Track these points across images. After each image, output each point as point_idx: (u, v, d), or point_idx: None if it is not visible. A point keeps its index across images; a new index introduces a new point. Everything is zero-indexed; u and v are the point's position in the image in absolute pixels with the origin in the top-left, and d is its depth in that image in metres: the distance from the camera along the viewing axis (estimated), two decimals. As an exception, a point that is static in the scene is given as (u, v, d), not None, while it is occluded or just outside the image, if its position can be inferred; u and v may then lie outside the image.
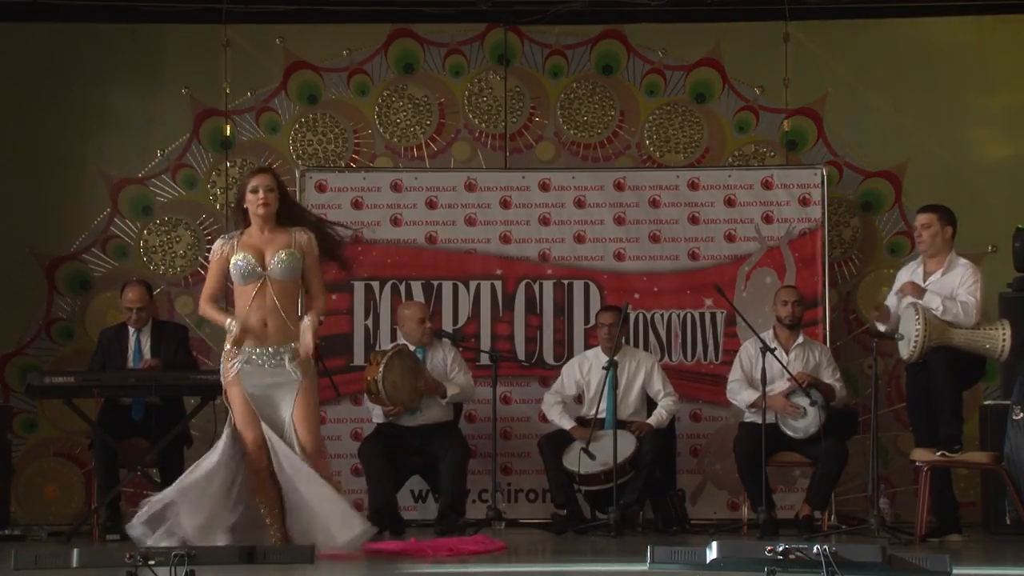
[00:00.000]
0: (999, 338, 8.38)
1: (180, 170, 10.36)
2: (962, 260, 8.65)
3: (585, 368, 9.37)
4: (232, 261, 7.32)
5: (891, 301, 8.73)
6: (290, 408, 7.31)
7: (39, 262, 10.26)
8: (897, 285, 8.80)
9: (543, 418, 9.68)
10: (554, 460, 9.08)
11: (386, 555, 7.48)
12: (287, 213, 7.44)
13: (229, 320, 7.30)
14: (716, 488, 9.79)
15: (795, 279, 9.77)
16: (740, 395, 9.20)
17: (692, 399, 9.80)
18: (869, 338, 8.93)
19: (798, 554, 4.82)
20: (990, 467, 8.38)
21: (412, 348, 9.28)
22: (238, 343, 7.28)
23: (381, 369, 8.86)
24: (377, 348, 9.69)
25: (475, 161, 10.43)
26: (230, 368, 7.31)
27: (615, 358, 9.11)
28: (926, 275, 8.64)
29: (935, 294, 8.46)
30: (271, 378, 7.31)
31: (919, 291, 8.46)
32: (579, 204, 9.98)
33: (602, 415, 9.07)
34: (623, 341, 9.41)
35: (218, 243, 7.46)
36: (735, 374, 9.28)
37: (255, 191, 7.32)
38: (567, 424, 9.20)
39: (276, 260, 7.31)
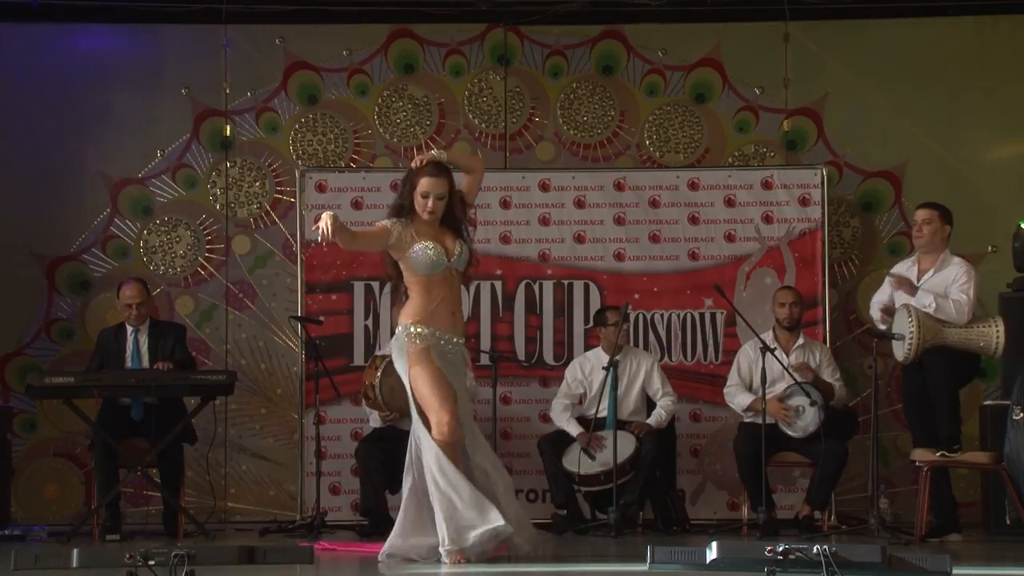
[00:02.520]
0: (992, 335, 8.39)
1: (180, 170, 10.36)
2: (955, 258, 8.66)
3: (587, 369, 9.36)
4: (416, 248, 6.99)
5: (884, 294, 8.72)
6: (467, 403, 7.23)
7: (39, 262, 10.25)
8: (887, 283, 8.79)
9: (543, 418, 9.69)
10: (554, 460, 9.09)
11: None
12: (450, 215, 7.14)
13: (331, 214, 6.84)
14: (716, 488, 9.79)
15: (795, 279, 9.77)
16: (736, 399, 9.21)
17: (692, 399, 9.81)
18: (869, 338, 8.93)
19: (798, 554, 4.82)
20: (990, 467, 8.38)
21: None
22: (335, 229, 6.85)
23: (379, 375, 8.86)
24: (378, 348, 9.70)
25: (475, 161, 10.42)
26: (415, 345, 6.99)
27: (616, 358, 9.13)
28: (920, 273, 8.64)
29: (927, 292, 8.46)
30: (453, 370, 7.08)
31: (912, 288, 8.46)
32: (579, 204, 9.98)
33: (602, 415, 9.06)
34: (624, 340, 9.42)
35: (389, 222, 7.04)
36: (732, 378, 9.29)
37: (426, 196, 7.02)
38: (574, 430, 9.20)
39: (458, 251, 7.09)
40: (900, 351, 8.44)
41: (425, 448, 6.96)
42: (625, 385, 9.28)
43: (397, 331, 7.12)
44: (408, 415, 8.97)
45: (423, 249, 7.01)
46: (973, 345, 8.42)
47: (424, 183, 7.03)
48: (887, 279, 8.81)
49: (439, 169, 7.11)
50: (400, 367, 7.11)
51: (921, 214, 8.70)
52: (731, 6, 10.38)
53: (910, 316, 8.29)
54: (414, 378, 7.01)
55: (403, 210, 7.08)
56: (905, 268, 8.77)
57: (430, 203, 7.02)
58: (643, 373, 9.34)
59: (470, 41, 10.50)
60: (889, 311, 8.61)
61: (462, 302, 7.32)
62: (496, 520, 6.82)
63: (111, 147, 10.37)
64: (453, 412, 6.92)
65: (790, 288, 9.45)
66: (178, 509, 8.94)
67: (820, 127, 10.37)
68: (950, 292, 8.47)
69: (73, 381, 8.78)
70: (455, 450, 6.95)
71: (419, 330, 7.00)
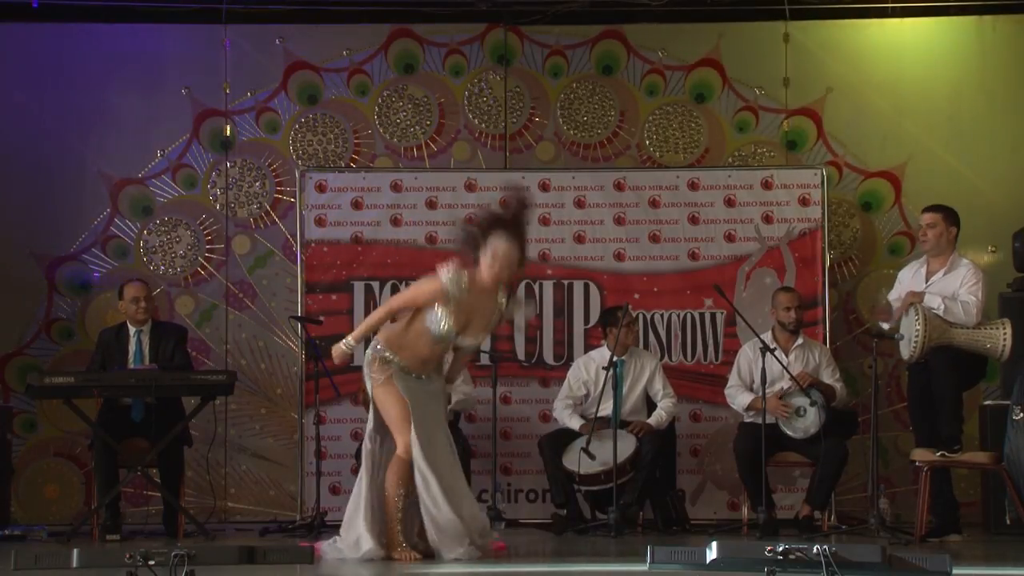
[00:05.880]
0: (1000, 337, 8.37)
1: (180, 170, 10.36)
2: (964, 260, 8.66)
3: (591, 369, 9.35)
4: (431, 315, 7.26)
5: (891, 297, 8.73)
6: (441, 411, 7.45)
7: (39, 262, 10.25)
8: (898, 285, 8.80)
9: (543, 418, 9.70)
10: (554, 460, 9.09)
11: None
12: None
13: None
14: (716, 488, 9.79)
15: (795, 279, 9.77)
16: (737, 399, 9.21)
17: (692, 399, 9.81)
18: (869, 338, 8.94)
19: (798, 554, 4.82)
20: (990, 467, 8.37)
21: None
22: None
23: None
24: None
25: (475, 161, 10.43)
26: (379, 374, 7.29)
27: (622, 358, 9.15)
28: (929, 275, 8.64)
29: (935, 295, 8.46)
30: (420, 385, 7.32)
31: (918, 298, 8.46)
32: (579, 204, 9.98)
33: (603, 413, 9.04)
34: (634, 342, 9.44)
35: (446, 280, 7.12)
36: (733, 379, 9.29)
37: (505, 268, 7.14)
38: (576, 423, 9.22)
39: (471, 342, 7.47)
40: (905, 349, 8.44)
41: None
42: (628, 385, 9.28)
43: (373, 344, 7.37)
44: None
45: (435, 322, 7.14)
46: (979, 347, 8.41)
47: (510, 253, 7.05)
48: (897, 280, 8.83)
49: (520, 243, 7.13)
50: (367, 376, 7.37)
51: (925, 218, 8.69)
52: (731, 6, 10.38)
53: (917, 315, 8.29)
54: (378, 398, 7.30)
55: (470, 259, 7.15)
56: (913, 270, 8.77)
57: (506, 277, 7.13)
58: (647, 374, 9.34)
59: (470, 41, 10.50)
60: (888, 311, 8.62)
61: (443, 364, 7.49)
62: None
63: (111, 147, 10.37)
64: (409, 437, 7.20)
65: (791, 290, 9.42)
66: (178, 509, 8.94)
67: (820, 127, 10.37)
68: (959, 294, 8.47)
69: (73, 381, 8.78)
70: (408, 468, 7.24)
71: (387, 356, 7.26)
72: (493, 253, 7.04)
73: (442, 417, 7.43)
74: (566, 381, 9.44)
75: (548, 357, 9.89)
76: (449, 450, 7.32)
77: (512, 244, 7.06)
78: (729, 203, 9.94)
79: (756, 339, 9.01)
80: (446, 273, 7.08)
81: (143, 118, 10.40)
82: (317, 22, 10.46)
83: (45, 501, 10.10)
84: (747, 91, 10.41)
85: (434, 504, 7.15)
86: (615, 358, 9.10)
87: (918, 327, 8.27)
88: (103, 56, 10.39)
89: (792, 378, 8.95)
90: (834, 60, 10.42)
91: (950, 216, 8.65)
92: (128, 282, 9.29)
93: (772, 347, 8.97)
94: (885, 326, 8.70)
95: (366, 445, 7.43)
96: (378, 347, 7.30)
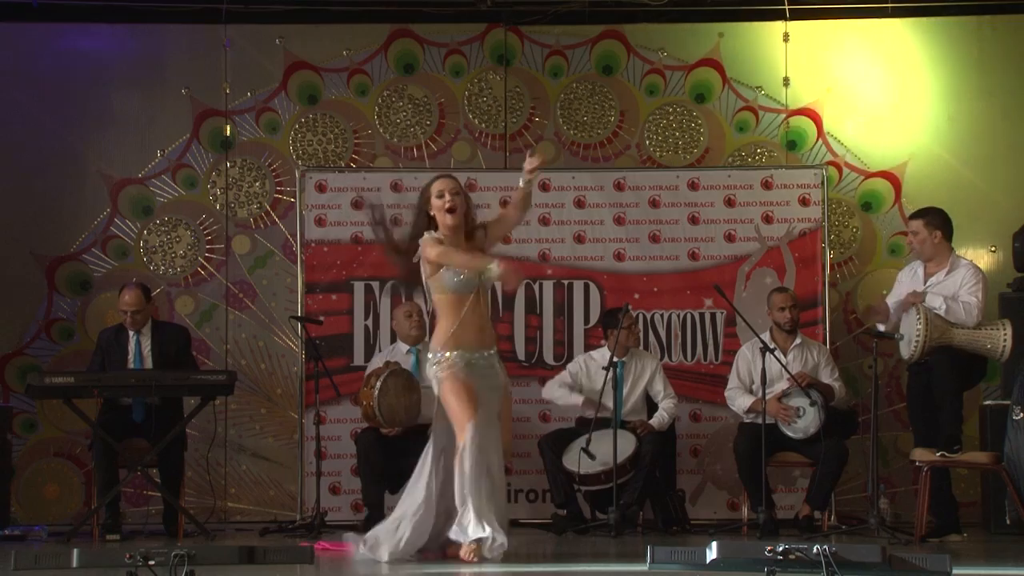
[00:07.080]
0: (1000, 338, 8.38)
1: (180, 170, 10.36)
2: (963, 260, 8.67)
3: (592, 369, 9.35)
4: (444, 272, 7.16)
5: (890, 300, 8.74)
6: (498, 407, 7.34)
7: (39, 262, 10.25)
8: (898, 285, 8.81)
9: (543, 418, 9.69)
10: (554, 460, 9.09)
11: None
12: (469, 220, 7.35)
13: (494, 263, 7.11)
14: (716, 488, 9.79)
15: (795, 279, 9.77)
16: (737, 401, 9.22)
17: (692, 399, 9.81)
18: (869, 338, 8.94)
19: (798, 554, 4.82)
20: (990, 467, 8.38)
21: (407, 350, 9.31)
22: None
23: (376, 394, 8.84)
24: (378, 350, 9.70)
25: (475, 161, 10.43)
26: (449, 366, 7.17)
27: (623, 359, 9.14)
28: (927, 276, 8.65)
29: (937, 295, 8.46)
30: (485, 380, 7.24)
31: (919, 298, 8.47)
32: (579, 204, 9.98)
33: (603, 414, 9.04)
34: (635, 343, 9.44)
35: (438, 235, 7.19)
36: (732, 381, 9.29)
37: (440, 196, 7.18)
38: (576, 399, 9.21)
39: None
40: (905, 349, 8.45)
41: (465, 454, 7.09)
42: (629, 387, 9.28)
43: (429, 357, 7.29)
44: (410, 425, 9.03)
45: (452, 273, 7.14)
46: (980, 347, 8.42)
47: (436, 185, 7.23)
48: (897, 281, 8.84)
49: (445, 174, 7.38)
50: (435, 383, 7.27)
51: (910, 226, 8.76)
52: (731, 6, 10.39)
53: (919, 315, 8.30)
54: (443, 394, 7.19)
55: (426, 222, 7.25)
56: (912, 271, 8.78)
57: (447, 199, 7.16)
58: (647, 375, 9.35)
59: (470, 41, 10.50)
60: (885, 312, 8.63)
61: (488, 314, 7.46)
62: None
63: (111, 147, 10.37)
64: (474, 419, 7.06)
65: (786, 291, 9.43)
66: (178, 509, 8.94)
67: (820, 127, 10.37)
68: (959, 295, 8.47)
69: (73, 381, 8.78)
70: (482, 453, 7.08)
71: (449, 356, 7.17)
72: (439, 194, 7.20)
73: (495, 418, 7.31)
74: (565, 370, 9.43)
75: (548, 357, 9.89)
76: (494, 448, 7.27)
77: (442, 178, 7.29)
78: (729, 203, 9.94)
79: (754, 340, 9.01)
80: (428, 236, 7.20)
81: (143, 118, 10.41)
82: (317, 22, 10.46)
83: (45, 501, 10.10)
84: (747, 91, 10.41)
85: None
86: (615, 359, 9.10)
87: (919, 327, 8.28)
88: (103, 56, 10.39)
89: (791, 378, 8.96)
90: (834, 60, 10.42)
91: (933, 220, 8.65)
92: (126, 286, 9.27)
93: (772, 347, 8.97)
94: (881, 327, 8.71)
95: (432, 460, 7.28)
96: (438, 355, 7.21)
